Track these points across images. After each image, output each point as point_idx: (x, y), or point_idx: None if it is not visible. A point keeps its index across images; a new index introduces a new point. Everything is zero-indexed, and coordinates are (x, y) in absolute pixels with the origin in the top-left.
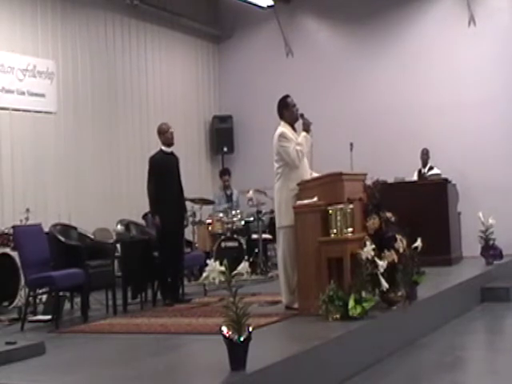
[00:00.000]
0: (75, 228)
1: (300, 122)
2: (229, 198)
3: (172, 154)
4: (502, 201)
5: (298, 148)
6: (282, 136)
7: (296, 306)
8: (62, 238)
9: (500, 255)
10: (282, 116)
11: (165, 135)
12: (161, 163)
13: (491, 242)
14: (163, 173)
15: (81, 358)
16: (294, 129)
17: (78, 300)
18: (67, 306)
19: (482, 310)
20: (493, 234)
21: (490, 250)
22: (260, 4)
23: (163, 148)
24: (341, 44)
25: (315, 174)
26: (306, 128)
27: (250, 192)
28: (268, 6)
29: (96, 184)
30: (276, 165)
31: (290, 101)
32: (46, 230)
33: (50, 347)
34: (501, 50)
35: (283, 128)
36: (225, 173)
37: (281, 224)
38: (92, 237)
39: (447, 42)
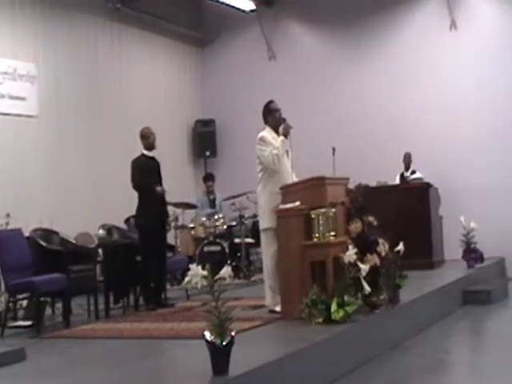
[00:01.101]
0: (57, 233)
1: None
2: (212, 203)
3: (153, 158)
4: (484, 205)
5: (275, 152)
6: (261, 139)
7: (278, 309)
8: (44, 243)
9: (481, 258)
10: (266, 121)
11: (147, 140)
12: (142, 167)
13: (473, 246)
14: (145, 176)
15: (63, 363)
16: (277, 133)
17: (59, 305)
18: (48, 311)
19: (463, 312)
20: (474, 237)
21: (471, 254)
22: (243, 8)
23: (145, 152)
24: (323, 48)
25: (295, 179)
26: (285, 132)
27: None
28: (251, 10)
29: (78, 188)
30: (258, 168)
31: (274, 106)
32: (27, 234)
33: (31, 353)
34: (482, 54)
35: (264, 132)
36: (208, 178)
37: (262, 226)
38: (74, 241)
39: (429, 47)
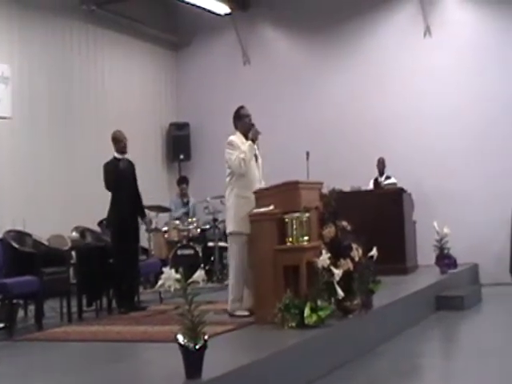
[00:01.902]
0: (30, 235)
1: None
2: (185, 206)
3: (127, 159)
4: (457, 210)
5: (241, 156)
6: (229, 143)
7: (239, 313)
8: (16, 245)
9: (454, 264)
10: (236, 126)
11: (119, 144)
12: (115, 170)
13: (446, 251)
14: (118, 179)
15: (35, 366)
16: (247, 139)
17: (32, 308)
18: (21, 313)
19: (437, 318)
20: (447, 243)
21: (444, 259)
22: (217, 11)
23: (116, 155)
24: (298, 53)
25: (263, 183)
26: (254, 138)
27: None
28: (226, 14)
29: (51, 190)
30: (226, 172)
31: (243, 112)
32: (0, 236)
33: (3, 355)
34: (456, 61)
35: (233, 136)
36: (182, 181)
37: (228, 230)
38: (47, 244)
39: (404, 53)
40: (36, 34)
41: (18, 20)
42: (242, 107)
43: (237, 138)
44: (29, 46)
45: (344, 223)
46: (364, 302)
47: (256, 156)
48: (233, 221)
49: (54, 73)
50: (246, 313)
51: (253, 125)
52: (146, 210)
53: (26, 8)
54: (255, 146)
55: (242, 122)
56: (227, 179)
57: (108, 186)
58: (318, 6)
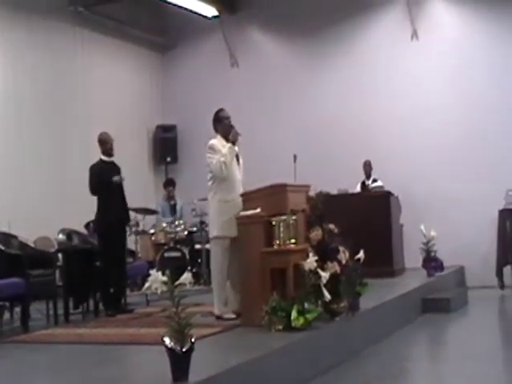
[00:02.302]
0: (16, 236)
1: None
2: (173, 209)
3: (113, 163)
4: (444, 214)
5: (222, 159)
6: (210, 148)
7: (226, 316)
8: (2, 247)
9: (441, 267)
10: (216, 129)
11: (105, 146)
12: (100, 172)
13: (433, 254)
14: (103, 182)
15: (21, 368)
16: (228, 141)
17: (18, 310)
18: (7, 315)
19: (423, 320)
20: (434, 246)
21: (431, 262)
22: (205, 14)
23: (103, 157)
24: (286, 56)
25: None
26: (233, 140)
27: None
28: (213, 16)
29: (38, 192)
30: (208, 176)
31: (223, 114)
32: None
33: None
34: (443, 64)
35: (214, 140)
36: (169, 183)
37: (212, 235)
38: (33, 246)
39: (391, 56)
40: (23, 36)
41: (2, 21)
42: (221, 109)
43: (217, 141)
44: (15, 47)
45: (331, 226)
46: (351, 305)
47: (237, 157)
48: (216, 225)
49: (40, 74)
50: (233, 316)
51: (232, 127)
52: (133, 213)
53: (13, 9)
54: (236, 148)
55: (222, 125)
56: (209, 183)
57: (92, 191)
58: (305, 9)
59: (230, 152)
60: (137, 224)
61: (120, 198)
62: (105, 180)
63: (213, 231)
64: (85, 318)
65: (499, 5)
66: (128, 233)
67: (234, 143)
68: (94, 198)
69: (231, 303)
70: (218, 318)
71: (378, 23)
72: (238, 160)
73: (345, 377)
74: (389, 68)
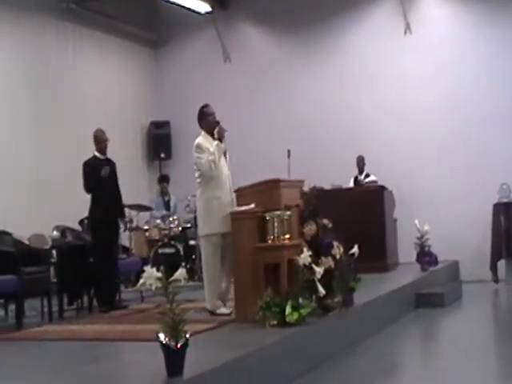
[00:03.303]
0: (9, 233)
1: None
2: (166, 204)
3: (107, 159)
4: (438, 208)
5: (211, 158)
6: (197, 147)
7: (219, 311)
8: None
9: (435, 261)
10: (201, 126)
11: (100, 144)
12: (94, 168)
13: (427, 249)
14: (97, 178)
15: (15, 365)
16: (213, 137)
17: (12, 307)
18: (1, 312)
19: (417, 315)
20: (428, 240)
21: (425, 257)
22: (198, 10)
23: (96, 154)
24: (278, 51)
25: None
26: (220, 136)
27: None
28: (206, 12)
29: (31, 189)
30: (196, 174)
31: (207, 110)
32: None
33: None
34: (436, 58)
35: (199, 138)
36: (163, 179)
37: (201, 233)
38: (27, 242)
39: (384, 51)
40: (13, 32)
41: None
42: (205, 105)
43: (203, 139)
44: (6, 43)
45: (325, 221)
46: (345, 300)
47: (225, 153)
48: (204, 223)
49: (31, 71)
50: (227, 311)
51: (218, 123)
52: (127, 209)
53: (4, 5)
54: (223, 145)
55: (206, 121)
56: (197, 181)
57: (86, 189)
58: (298, 3)
59: (218, 150)
60: (131, 220)
61: (113, 194)
62: (97, 176)
63: (203, 229)
64: (79, 315)
65: None
66: (123, 229)
67: (220, 140)
68: (88, 195)
69: (223, 295)
70: (211, 313)
71: (370, 17)
72: (225, 156)
73: (338, 371)
74: (382, 62)
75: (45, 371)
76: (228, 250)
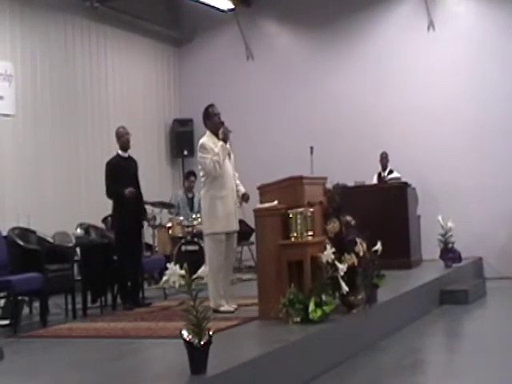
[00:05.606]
0: (34, 232)
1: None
2: (190, 202)
3: (130, 157)
4: (461, 204)
5: (215, 158)
6: (202, 147)
7: (223, 309)
8: (21, 242)
9: (459, 258)
10: (206, 125)
11: (121, 139)
12: (117, 168)
13: (450, 245)
14: (120, 177)
15: (40, 362)
16: (218, 137)
17: (36, 304)
18: (26, 310)
19: (441, 312)
20: (452, 237)
21: (449, 253)
22: (221, 7)
23: (120, 152)
24: (301, 48)
25: (238, 181)
26: (224, 137)
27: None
28: (229, 10)
29: (55, 187)
30: (200, 174)
31: (212, 110)
32: (4, 233)
33: (9, 352)
34: (460, 54)
35: (204, 138)
36: (191, 174)
37: (206, 231)
38: (51, 240)
39: (408, 47)
40: (39, 32)
41: (20, 17)
42: (210, 105)
43: (208, 139)
44: (32, 43)
45: (348, 218)
46: (368, 297)
47: (229, 154)
48: (209, 222)
49: (57, 70)
50: (231, 309)
51: (222, 123)
52: (150, 207)
53: (29, 5)
54: (227, 146)
55: (211, 121)
56: (202, 179)
57: (108, 195)
58: (321, 0)
59: (223, 151)
60: (154, 218)
61: (136, 193)
62: (119, 178)
63: (207, 228)
64: (103, 312)
65: None
66: (146, 226)
67: (225, 141)
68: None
69: (225, 292)
70: (215, 311)
71: (394, 13)
72: (229, 156)
73: (361, 368)
74: (405, 59)
75: (70, 368)
76: (230, 249)
